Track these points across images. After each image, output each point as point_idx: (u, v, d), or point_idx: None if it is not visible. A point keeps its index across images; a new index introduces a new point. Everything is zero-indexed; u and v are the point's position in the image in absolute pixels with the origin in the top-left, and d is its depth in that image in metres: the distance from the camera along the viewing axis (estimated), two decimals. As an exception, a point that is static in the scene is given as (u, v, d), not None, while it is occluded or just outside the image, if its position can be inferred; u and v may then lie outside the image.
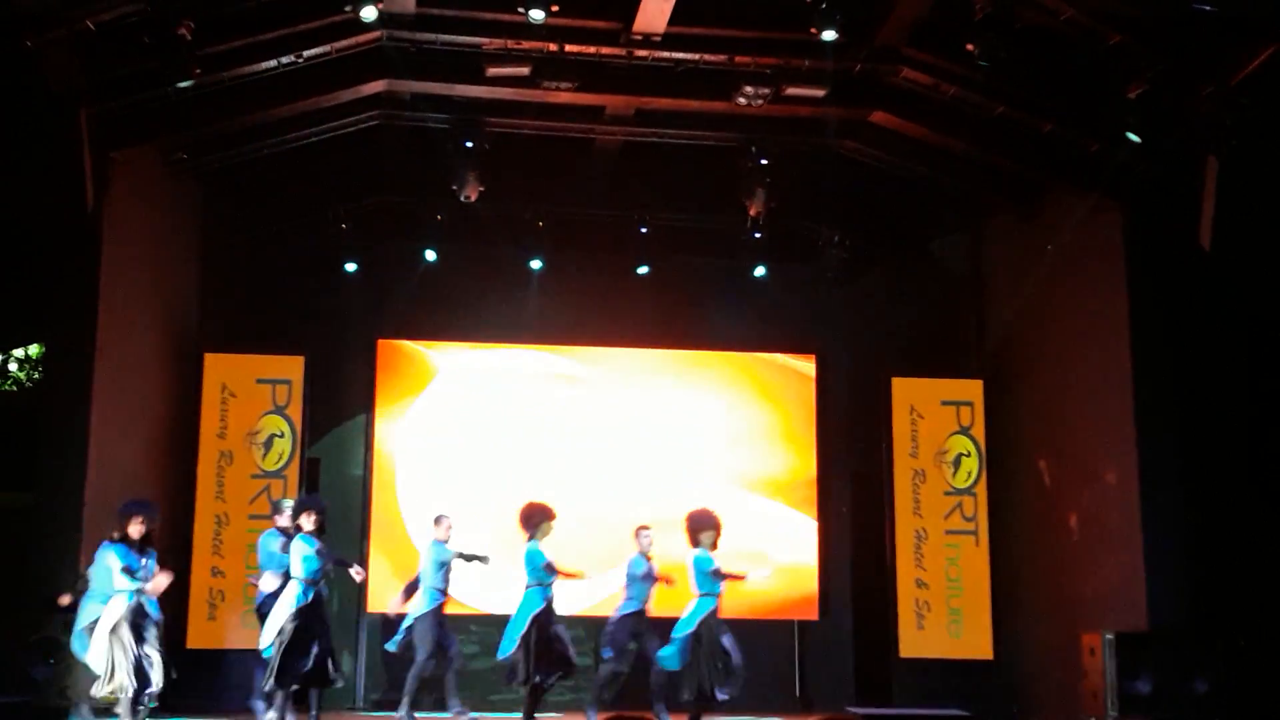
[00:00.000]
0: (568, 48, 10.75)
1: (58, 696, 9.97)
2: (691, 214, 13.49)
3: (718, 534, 10.49)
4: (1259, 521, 10.47)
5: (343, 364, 13.44)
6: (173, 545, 11.89)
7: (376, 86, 11.29)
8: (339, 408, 13.50)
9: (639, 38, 10.56)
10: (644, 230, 13.19)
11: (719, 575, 10.34)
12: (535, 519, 10.56)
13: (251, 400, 12.27)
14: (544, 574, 10.35)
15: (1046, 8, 9.63)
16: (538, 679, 10.23)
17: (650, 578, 10.64)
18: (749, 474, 13.64)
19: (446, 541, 10.80)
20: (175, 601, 11.63)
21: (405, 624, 10.65)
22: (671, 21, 10.30)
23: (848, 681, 13.20)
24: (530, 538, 10.53)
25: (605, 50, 10.79)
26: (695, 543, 10.46)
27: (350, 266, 13.30)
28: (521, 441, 13.48)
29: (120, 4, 9.48)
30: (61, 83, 9.85)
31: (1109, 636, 10.36)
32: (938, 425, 12.82)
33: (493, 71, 10.83)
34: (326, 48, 10.65)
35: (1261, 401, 10.55)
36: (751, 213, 12.35)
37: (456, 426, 13.46)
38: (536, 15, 9.81)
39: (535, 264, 13.19)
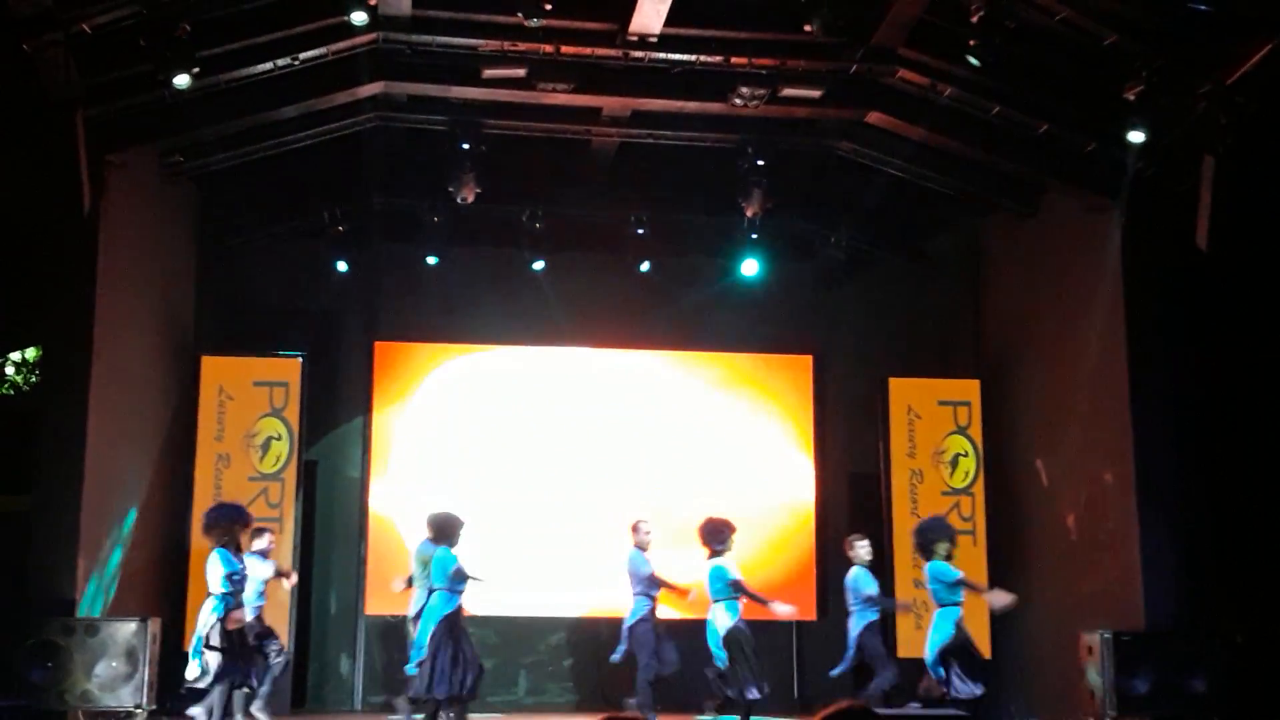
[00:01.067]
0: (563, 49, 10.71)
1: (55, 700, 9.96)
2: (688, 215, 13.48)
3: (953, 544, 10.47)
4: (1256, 520, 10.43)
5: (340, 366, 13.45)
6: (170, 548, 11.93)
7: (373, 89, 11.25)
8: (336, 410, 13.50)
9: (635, 39, 10.52)
10: (641, 231, 13.17)
11: (962, 584, 10.34)
12: (724, 534, 10.61)
13: (249, 403, 12.25)
14: (734, 589, 10.43)
15: (1042, 8, 9.61)
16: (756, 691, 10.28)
17: (875, 587, 11.03)
18: (746, 475, 13.64)
19: (645, 548, 11.01)
20: (173, 605, 11.65)
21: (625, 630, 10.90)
22: (667, 23, 10.26)
23: (846, 682, 13.14)
24: (712, 555, 10.57)
25: (601, 52, 10.74)
26: (930, 554, 10.41)
27: (346, 268, 13.27)
28: (518, 443, 13.48)
29: (116, 7, 9.46)
30: (57, 85, 9.80)
31: (1106, 635, 10.29)
32: (935, 425, 12.81)
33: (489, 73, 10.81)
34: (323, 50, 10.60)
35: (1258, 401, 10.52)
36: (748, 213, 12.34)
37: (453, 428, 13.45)
38: (532, 23, 9.83)
39: (538, 265, 13.16)
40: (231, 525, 10.15)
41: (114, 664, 10.10)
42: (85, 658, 10.04)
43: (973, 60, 9.72)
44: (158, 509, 11.81)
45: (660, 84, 11.17)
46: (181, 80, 9.74)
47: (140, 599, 11.19)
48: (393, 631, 12.87)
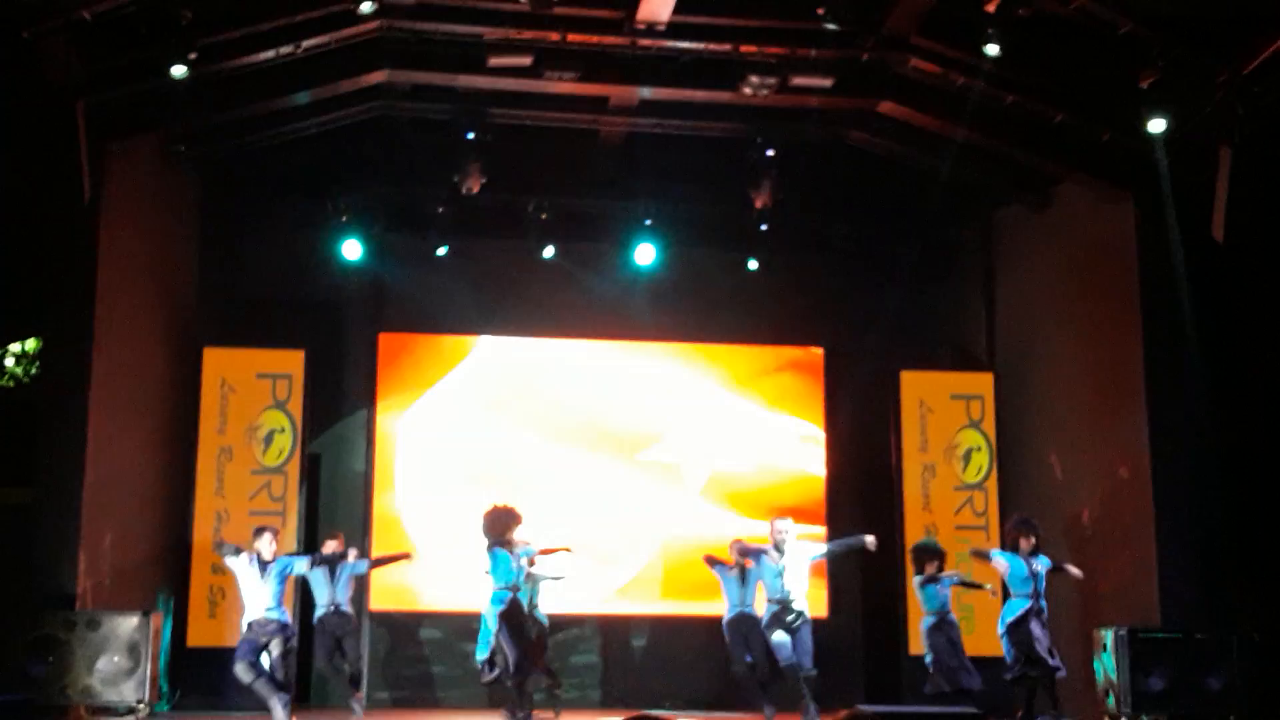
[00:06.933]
0: (570, 37, 10.64)
1: (57, 695, 9.87)
2: (697, 206, 13.35)
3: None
4: (1273, 515, 10.34)
5: (344, 358, 13.33)
6: (172, 542, 11.83)
7: (377, 77, 11.19)
8: (340, 402, 13.36)
9: (642, 27, 10.44)
10: (648, 222, 13.05)
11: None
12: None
13: (251, 395, 12.13)
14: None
15: (1058, -5, 9.52)
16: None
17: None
18: (756, 469, 13.52)
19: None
20: (175, 599, 11.56)
21: None
22: (675, 10, 10.18)
23: (857, 679, 13.05)
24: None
25: (608, 40, 10.67)
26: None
27: (351, 259, 13.14)
28: (523, 435, 13.36)
29: (116, -7, 9.37)
30: (58, 73, 9.75)
31: (1122, 632, 10.24)
32: (948, 419, 12.69)
33: (494, 62, 10.73)
34: (326, 38, 10.54)
35: (1276, 395, 10.42)
36: (758, 204, 12.25)
37: (458, 420, 13.33)
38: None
39: (548, 252, 13.01)
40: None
41: (116, 658, 10.04)
42: (87, 652, 9.98)
43: (990, 50, 9.58)
44: (159, 502, 11.71)
45: (668, 72, 11.08)
46: (181, 69, 9.63)
47: (142, 593, 11.10)
48: (396, 627, 12.79)
